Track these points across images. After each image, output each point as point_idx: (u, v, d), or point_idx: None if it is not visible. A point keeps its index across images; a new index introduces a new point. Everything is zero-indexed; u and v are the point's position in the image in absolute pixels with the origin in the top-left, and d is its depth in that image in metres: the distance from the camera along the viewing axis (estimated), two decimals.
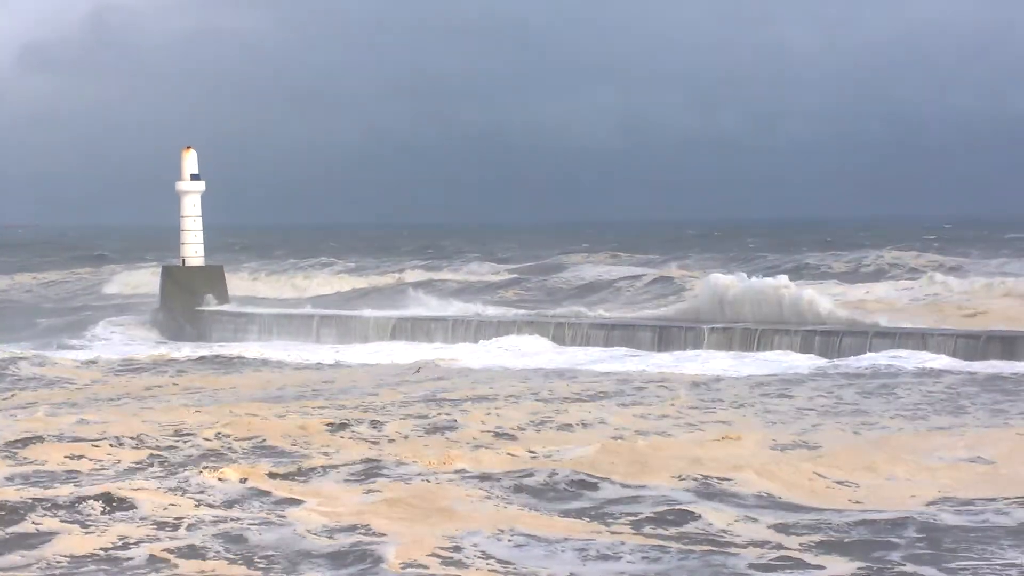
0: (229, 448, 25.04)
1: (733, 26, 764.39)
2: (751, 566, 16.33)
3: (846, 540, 17.61)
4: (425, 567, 16.36)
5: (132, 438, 25.62)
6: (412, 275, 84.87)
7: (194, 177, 62.25)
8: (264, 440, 25.68)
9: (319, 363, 43.30)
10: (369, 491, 20.60)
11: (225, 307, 60.45)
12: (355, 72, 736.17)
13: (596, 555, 16.89)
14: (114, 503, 19.51)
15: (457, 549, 17.18)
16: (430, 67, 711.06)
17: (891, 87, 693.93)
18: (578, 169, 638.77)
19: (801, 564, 16.45)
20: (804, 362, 39.63)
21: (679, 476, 21.52)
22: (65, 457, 23.80)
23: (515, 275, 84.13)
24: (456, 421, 28.07)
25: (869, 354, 40.06)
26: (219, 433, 26.25)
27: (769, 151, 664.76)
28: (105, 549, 17.26)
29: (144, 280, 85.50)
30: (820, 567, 16.29)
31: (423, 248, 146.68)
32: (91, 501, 19.55)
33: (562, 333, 48.19)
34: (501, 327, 49.26)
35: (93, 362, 44.15)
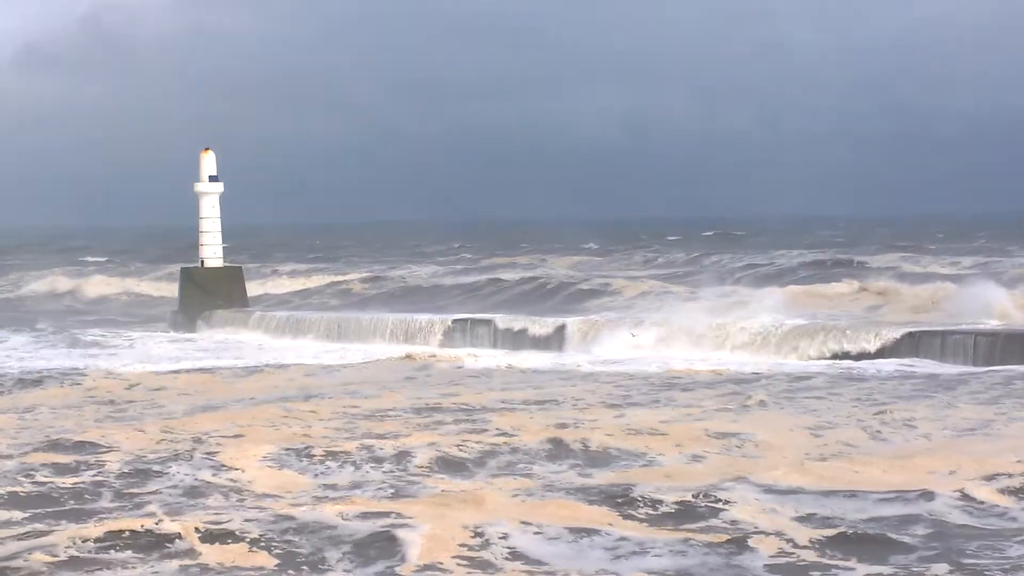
0: None
1: (738, 22, 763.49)
2: None
3: None
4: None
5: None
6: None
7: (212, 178, 62.25)
8: None
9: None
10: None
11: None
12: (356, 71, 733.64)
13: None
14: None
15: None
16: (433, 65, 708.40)
17: (897, 84, 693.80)
18: (582, 167, 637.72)
19: None
20: None
21: None
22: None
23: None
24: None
25: None
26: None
27: (774, 148, 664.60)
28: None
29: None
30: None
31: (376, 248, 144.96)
32: None
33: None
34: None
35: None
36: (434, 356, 44.36)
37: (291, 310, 63.26)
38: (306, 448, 24.77)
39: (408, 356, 43.80)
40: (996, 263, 75.18)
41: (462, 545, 17.59)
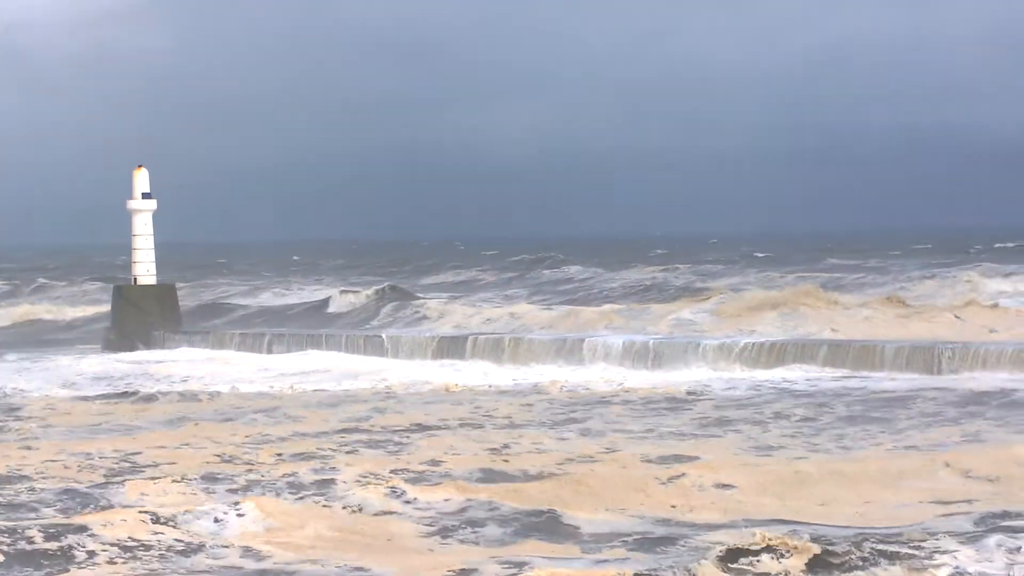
0: None
1: (652, 40, 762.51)
2: None
3: None
4: None
5: None
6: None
7: (145, 196, 61.83)
8: None
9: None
10: None
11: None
12: (269, 90, 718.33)
13: None
14: None
15: None
16: (348, 83, 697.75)
17: (814, 99, 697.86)
18: (502, 185, 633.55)
19: None
20: None
21: None
22: None
23: None
24: None
25: None
26: None
27: (694, 164, 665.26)
28: None
29: None
30: None
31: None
32: None
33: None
34: None
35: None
36: None
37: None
38: None
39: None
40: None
41: None
